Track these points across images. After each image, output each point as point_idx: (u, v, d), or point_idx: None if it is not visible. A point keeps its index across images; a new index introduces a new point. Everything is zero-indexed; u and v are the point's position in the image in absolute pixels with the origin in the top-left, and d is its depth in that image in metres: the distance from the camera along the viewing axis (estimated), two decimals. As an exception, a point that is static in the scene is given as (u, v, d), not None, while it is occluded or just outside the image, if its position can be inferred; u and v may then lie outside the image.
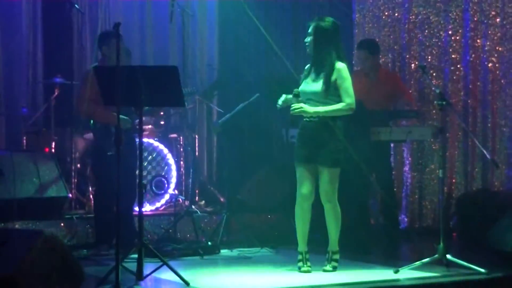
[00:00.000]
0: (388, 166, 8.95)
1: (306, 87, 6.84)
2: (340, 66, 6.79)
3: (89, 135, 8.77)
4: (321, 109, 6.74)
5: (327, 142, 6.78)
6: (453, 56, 9.17)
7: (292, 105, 6.73)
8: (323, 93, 6.77)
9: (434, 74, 9.23)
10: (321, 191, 6.82)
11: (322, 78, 6.81)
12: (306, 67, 7.02)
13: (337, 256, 6.88)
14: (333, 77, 6.77)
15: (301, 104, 6.72)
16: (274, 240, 8.33)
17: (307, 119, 6.80)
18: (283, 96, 6.88)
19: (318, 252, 7.03)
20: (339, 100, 6.77)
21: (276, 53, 8.20)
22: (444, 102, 7.12)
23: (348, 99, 6.77)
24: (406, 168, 9.46)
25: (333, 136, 6.78)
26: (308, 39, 6.87)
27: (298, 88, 6.85)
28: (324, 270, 6.80)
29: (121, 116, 7.37)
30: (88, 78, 7.51)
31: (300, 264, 6.80)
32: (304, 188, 6.79)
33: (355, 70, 9.29)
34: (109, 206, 7.14)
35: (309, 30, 6.87)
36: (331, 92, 6.77)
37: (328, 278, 6.56)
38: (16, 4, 9.45)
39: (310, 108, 6.73)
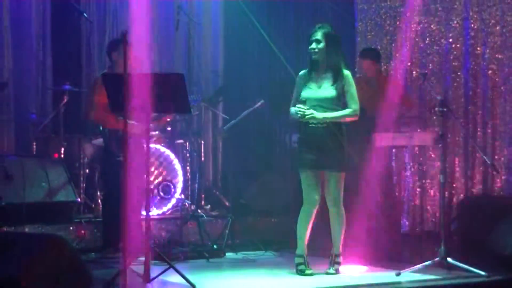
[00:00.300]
0: (389, 170, 8.95)
1: (312, 93, 6.82)
2: (347, 72, 6.85)
3: (97, 141, 8.78)
4: (329, 114, 6.75)
5: (334, 147, 6.78)
6: (454, 63, 9.15)
7: (305, 111, 6.72)
8: (335, 100, 6.80)
9: (435, 81, 9.21)
10: (328, 196, 6.82)
11: (334, 84, 6.82)
12: (301, 74, 6.98)
13: (339, 259, 6.87)
14: (342, 83, 6.81)
15: (311, 110, 6.71)
16: (277, 243, 8.33)
17: (313, 125, 6.78)
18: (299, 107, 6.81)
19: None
20: (344, 106, 6.79)
21: (279, 60, 8.20)
22: (445, 109, 7.12)
23: (354, 105, 6.80)
24: (408, 173, 9.45)
25: (339, 141, 6.79)
26: (320, 45, 6.83)
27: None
28: (327, 273, 6.80)
29: (131, 121, 7.42)
30: (97, 85, 7.52)
31: (303, 267, 6.79)
32: (314, 194, 6.76)
33: (356, 77, 9.28)
34: (117, 210, 7.12)
35: (318, 37, 6.83)
36: (340, 98, 6.81)
37: (331, 280, 6.57)
38: (26, 13, 9.46)
39: (319, 114, 6.72)
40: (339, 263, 6.87)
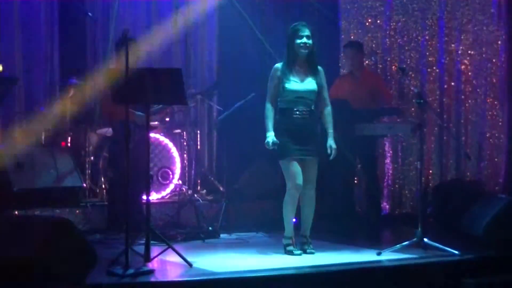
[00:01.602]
0: (373, 158, 8.98)
1: (298, 86, 6.75)
2: (321, 68, 6.86)
3: (102, 131, 8.77)
4: (332, 126, 6.86)
5: (315, 135, 6.79)
6: (429, 59, 9.17)
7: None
8: (316, 93, 6.80)
9: (412, 75, 9.24)
10: (309, 181, 6.79)
11: (314, 78, 6.79)
12: (279, 67, 6.83)
13: (310, 240, 6.90)
14: (319, 78, 6.82)
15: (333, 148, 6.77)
16: (268, 225, 8.33)
17: (299, 115, 6.76)
18: (271, 138, 6.78)
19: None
20: (319, 98, 6.81)
21: (270, 55, 8.20)
22: (422, 101, 7.13)
23: (328, 101, 6.85)
24: (388, 160, 9.48)
25: (317, 129, 6.82)
26: (310, 41, 6.77)
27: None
28: (310, 252, 6.79)
29: (138, 112, 7.42)
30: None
31: (291, 248, 6.76)
32: (300, 180, 6.71)
33: (341, 74, 9.32)
34: (122, 194, 7.11)
35: (308, 33, 6.78)
36: (318, 91, 6.83)
37: (317, 259, 6.57)
38: (35, 13, 9.42)
39: (332, 143, 6.83)
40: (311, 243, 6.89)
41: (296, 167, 6.72)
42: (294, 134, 6.74)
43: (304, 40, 6.76)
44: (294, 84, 6.76)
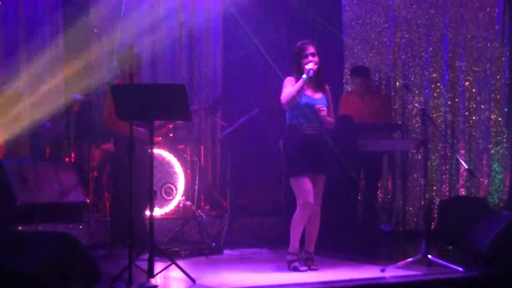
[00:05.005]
0: (377, 174, 8.97)
1: (311, 101, 6.78)
2: (326, 86, 6.88)
3: (105, 146, 8.77)
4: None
5: (325, 151, 6.78)
6: (433, 75, 9.16)
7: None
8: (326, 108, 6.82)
9: (416, 91, 9.22)
10: (316, 196, 6.76)
11: (323, 95, 6.81)
12: (290, 80, 6.85)
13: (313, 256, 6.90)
14: (326, 95, 6.83)
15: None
16: (272, 241, 8.32)
17: (311, 131, 6.75)
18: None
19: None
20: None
21: (274, 71, 8.21)
22: (425, 117, 7.13)
23: (333, 117, 6.86)
24: (391, 177, 9.45)
25: (328, 145, 6.80)
26: (315, 58, 6.79)
27: None
28: (314, 268, 6.77)
29: (141, 129, 7.42)
30: (109, 94, 7.51)
31: (297, 264, 6.75)
32: (311, 197, 6.69)
33: (349, 90, 9.32)
34: (124, 210, 7.10)
35: (313, 50, 6.79)
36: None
37: (322, 275, 6.55)
38: (41, 29, 9.46)
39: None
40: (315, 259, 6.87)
41: (307, 185, 6.69)
42: (306, 150, 6.73)
43: (309, 58, 6.77)
44: (307, 98, 6.77)
